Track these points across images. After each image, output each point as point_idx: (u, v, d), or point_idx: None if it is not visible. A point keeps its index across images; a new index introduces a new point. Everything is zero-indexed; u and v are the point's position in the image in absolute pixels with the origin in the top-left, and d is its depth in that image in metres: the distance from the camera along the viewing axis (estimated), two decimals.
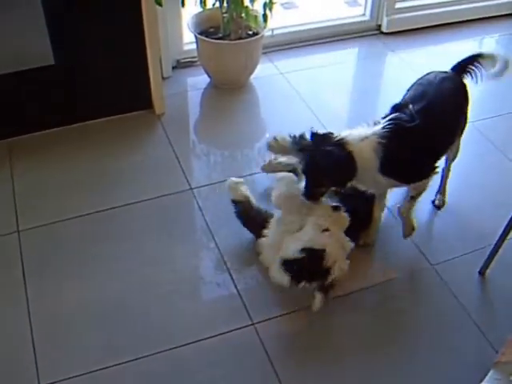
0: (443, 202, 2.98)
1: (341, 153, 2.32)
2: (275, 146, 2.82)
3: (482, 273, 2.67)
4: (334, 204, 2.46)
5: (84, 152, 3.21)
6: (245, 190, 2.75)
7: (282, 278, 2.36)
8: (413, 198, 2.62)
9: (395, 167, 2.39)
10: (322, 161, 2.32)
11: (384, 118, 2.44)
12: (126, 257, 2.69)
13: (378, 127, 2.39)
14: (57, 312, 2.47)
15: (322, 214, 2.42)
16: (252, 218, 2.70)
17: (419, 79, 2.67)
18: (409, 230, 2.71)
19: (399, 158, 2.35)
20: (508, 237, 2.55)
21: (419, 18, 4.32)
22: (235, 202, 2.75)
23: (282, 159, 2.86)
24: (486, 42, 4.35)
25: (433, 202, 2.98)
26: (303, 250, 2.32)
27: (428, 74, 2.68)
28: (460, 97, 2.69)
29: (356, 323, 2.49)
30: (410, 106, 2.44)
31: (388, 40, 4.24)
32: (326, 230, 2.38)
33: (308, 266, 2.33)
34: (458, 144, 2.87)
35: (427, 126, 2.38)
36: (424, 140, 2.39)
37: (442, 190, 2.99)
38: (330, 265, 2.32)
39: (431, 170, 2.52)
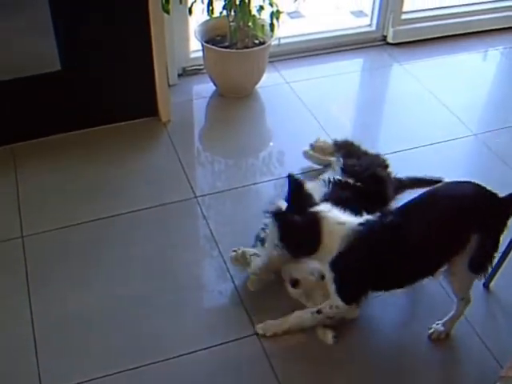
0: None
1: (310, 228, 2.23)
2: (313, 155, 3.12)
3: (486, 285, 2.66)
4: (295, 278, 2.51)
5: (89, 158, 3.21)
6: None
7: None
8: (319, 313, 2.40)
9: (342, 269, 2.25)
10: (290, 227, 2.23)
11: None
12: (129, 264, 2.69)
13: (359, 220, 2.26)
14: (59, 318, 2.47)
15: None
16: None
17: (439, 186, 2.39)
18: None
19: (351, 262, 2.23)
20: None
21: (425, 29, 4.32)
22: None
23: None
24: (490, 54, 4.35)
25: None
26: None
27: (451, 183, 2.40)
28: (464, 218, 2.22)
29: (359, 333, 2.48)
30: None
31: (393, 51, 4.25)
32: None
33: None
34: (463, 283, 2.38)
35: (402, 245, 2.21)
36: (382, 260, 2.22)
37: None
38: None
39: (356, 295, 2.34)
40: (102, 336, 2.42)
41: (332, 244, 2.22)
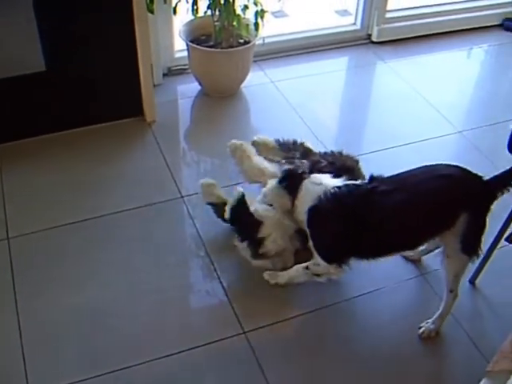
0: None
1: (291, 181, 2.45)
2: (260, 144, 2.99)
3: (472, 282, 2.68)
4: (282, 184, 2.51)
5: (74, 159, 3.20)
6: (217, 191, 2.83)
7: None
8: (308, 269, 2.47)
9: (314, 226, 2.37)
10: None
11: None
12: (116, 265, 2.68)
13: (337, 183, 2.34)
14: (46, 320, 2.45)
15: (271, 188, 2.54)
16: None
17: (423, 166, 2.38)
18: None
19: (322, 221, 2.34)
20: (498, 246, 2.56)
21: (409, 27, 4.35)
22: (210, 204, 2.84)
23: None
24: (474, 52, 4.38)
25: None
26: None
27: (439, 164, 2.37)
28: (447, 195, 2.25)
29: (347, 331, 2.49)
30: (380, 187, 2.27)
31: (378, 49, 4.26)
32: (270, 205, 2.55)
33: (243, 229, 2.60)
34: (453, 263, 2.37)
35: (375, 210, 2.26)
36: (359, 222, 2.26)
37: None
38: (264, 236, 2.54)
39: (338, 257, 2.38)
40: (87, 337, 2.40)
41: (305, 201, 2.37)
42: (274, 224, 2.54)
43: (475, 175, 2.28)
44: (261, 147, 2.97)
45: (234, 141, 2.92)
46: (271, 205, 2.56)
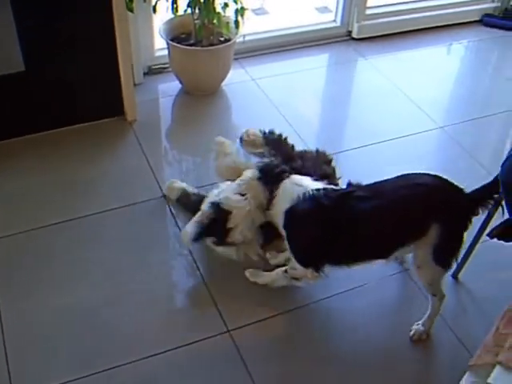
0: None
1: (272, 173, 2.46)
2: (248, 141, 2.99)
3: (455, 276, 2.69)
4: (259, 176, 2.50)
5: (55, 160, 3.17)
6: (179, 184, 2.92)
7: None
8: (286, 272, 2.48)
9: (291, 228, 2.37)
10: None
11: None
12: (99, 265, 2.67)
13: (316, 186, 2.35)
14: (30, 321, 2.43)
15: (247, 179, 2.52)
16: (192, 203, 2.81)
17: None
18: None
19: (299, 223, 2.34)
20: (480, 240, 2.57)
21: (389, 24, 4.35)
22: (178, 200, 2.91)
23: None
24: (454, 47, 4.40)
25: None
26: (212, 204, 2.53)
27: (418, 174, 2.32)
28: (418, 203, 2.23)
29: (331, 329, 2.50)
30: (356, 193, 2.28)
31: (359, 46, 4.27)
32: (243, 195, 2.49)
33: (209, 222, 2.54)
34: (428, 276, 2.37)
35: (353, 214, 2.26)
36: (333, 225, 2.27)
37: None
38: (231, 227, 2.50)
39: (314, 261, 2.37)
40: (73, 339, 2.39)
41: (283, 202, 2.35)
42: (243, 215, 2.50)
43: (455, 187, 2.26)
44: (247, 143, 3.00)
45: (220, 137, 2.97)
46: (244, 194, 2.51)
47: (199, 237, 2.58)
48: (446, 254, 2.28)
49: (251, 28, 3.95)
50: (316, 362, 2.37)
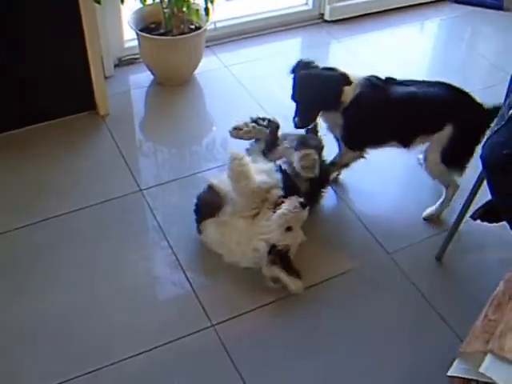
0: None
1: (335, 77, 2.65)
2: (239, 133, 2.92)
3: (438, 258, 2.68)
4: (301, 200, 2.49)
5: (26, 159, 3.10)
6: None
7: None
8: (334, 165, 2.88)
9: (349, 117, 2.64)
10: (317, 79, 2.68)
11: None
12: (78, 265, 2.61)
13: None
14: (7, 326, 2.38)
15: (288, 210, 2.46)
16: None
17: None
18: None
19: (355, 112, 2.62)
20: (463, 221, 2.56)
21: (361, 5, 4.32)
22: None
23: (251, 125, 2.93)
24: (427, 26, 4.38)
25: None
26: (272, 248, 2.46)
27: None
28: (441, 102, 2.63)
29: (316, 317, 2.47)
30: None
31: (331, 28, 4.23)
32: (289, 228, 2.46)
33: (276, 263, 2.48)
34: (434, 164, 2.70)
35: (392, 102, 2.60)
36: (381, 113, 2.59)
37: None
38: (291, 255, 2.50)
39: (357, 143, 2.73)
40: (53, 341, 2.34)
41: (347, 96, 2.63)
42: (295, 244, 2.52)
43: (475, 100, 2.61)
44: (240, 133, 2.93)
45: (233, 151, 2.58)
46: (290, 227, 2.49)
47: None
48: (452, 154, 2.61)
49: (222, 14, 3.90)
50: (302, 351, 2.34)
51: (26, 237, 2.72)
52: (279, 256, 2.46)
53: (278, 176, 2.61)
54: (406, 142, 2.72)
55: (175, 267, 2.61)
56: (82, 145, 3.21)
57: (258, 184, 2.51)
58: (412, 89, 2.65)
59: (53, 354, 2.30)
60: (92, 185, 2.97)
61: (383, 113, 2.61)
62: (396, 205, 2.95)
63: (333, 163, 2.90)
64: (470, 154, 2.62)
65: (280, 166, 2.67)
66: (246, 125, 2.90)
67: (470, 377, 1.41)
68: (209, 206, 2.62)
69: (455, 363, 1.51)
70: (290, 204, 2.48)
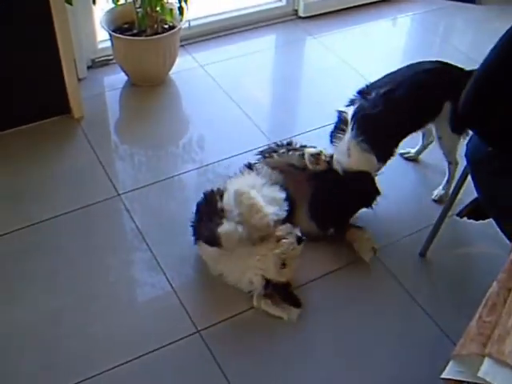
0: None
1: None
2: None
3: (422, 254, 2.67)
4: (299, 235, 2.46)
5: (0, 165, 3.04)
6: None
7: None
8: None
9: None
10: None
11: (349, 104, 2.74)
12: (58, 272, 2.56)
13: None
14: None
15: (285, 249, 2.42)
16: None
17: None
18: None
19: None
20: (447, 216, 2.56)
21: (335, 0, 4.31)
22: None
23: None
24: (400, 20, 4.39)
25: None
26: (274, 287, 2.45)
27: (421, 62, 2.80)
28: (432, 86, 2.68)
29: (302, 319, 2.44)
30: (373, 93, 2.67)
31: (306, 24, 4.21)
32: (284, 264, 2.43)
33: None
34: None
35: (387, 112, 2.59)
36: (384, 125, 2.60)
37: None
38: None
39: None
40: (35, 350, 2.28)
41: None
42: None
43: (455, 66, 2.73)
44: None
45: (241, 191, 2.42)
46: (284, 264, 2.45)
47: None
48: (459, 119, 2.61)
49: (196, 13, 3.86)
50: (288, 355, 2.32)
51: (4, 246, 2.66)
52: (276, 290, 2.45)
53: (286, 205, 2.54)
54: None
55: (157, 272, 2.57)
56: (57, 149, 3.15)
57: (271, 216, 2.41)
58: (400, 91, 2.65)
59: (31, 363, 2.24)
60: (69, 190, 2.91)
61: (387, 124, 2.61)
62: (379, 203, 2.93)
63: None
64: None
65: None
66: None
67: (465, 379, 1.39)
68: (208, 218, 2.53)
69: (449, 365, 1.48)
70: (287, 243, 2.42)
